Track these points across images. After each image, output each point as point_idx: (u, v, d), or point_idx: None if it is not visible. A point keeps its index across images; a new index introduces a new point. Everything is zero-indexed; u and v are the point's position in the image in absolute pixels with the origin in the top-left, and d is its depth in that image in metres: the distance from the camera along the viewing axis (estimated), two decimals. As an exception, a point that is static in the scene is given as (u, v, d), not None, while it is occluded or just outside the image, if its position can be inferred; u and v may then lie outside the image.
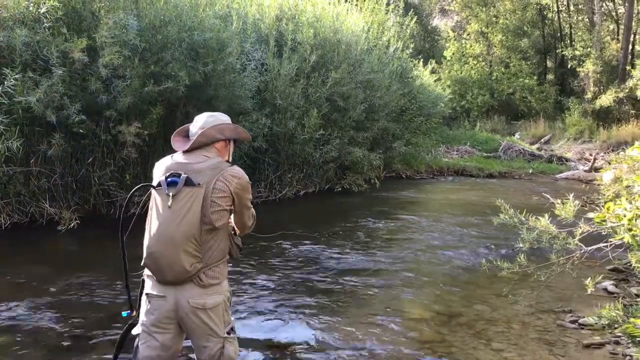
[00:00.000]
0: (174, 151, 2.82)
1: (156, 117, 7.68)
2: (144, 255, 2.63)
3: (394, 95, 12.66)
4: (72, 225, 7.08)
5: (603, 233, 3.34)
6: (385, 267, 6.39)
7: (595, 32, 26.32)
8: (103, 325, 4.34)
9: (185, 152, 2.74)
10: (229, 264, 2.96)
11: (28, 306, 4.65)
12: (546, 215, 3.65)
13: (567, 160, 18.87)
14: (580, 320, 4.74)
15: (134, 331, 2.75)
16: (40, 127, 7.07)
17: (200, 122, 2.80)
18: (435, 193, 12.70)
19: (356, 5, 13.07)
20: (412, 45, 15.08)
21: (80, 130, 7.12)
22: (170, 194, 2.57)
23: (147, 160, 8.30)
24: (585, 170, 16.26)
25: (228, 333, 2.76)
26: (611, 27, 28.53)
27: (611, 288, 5.63)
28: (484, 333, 4.54)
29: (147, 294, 2.69)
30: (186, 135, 2.86)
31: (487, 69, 29.43)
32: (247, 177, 2.79)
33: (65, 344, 4.02)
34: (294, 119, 9.87)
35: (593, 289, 4.14)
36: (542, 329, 4.66)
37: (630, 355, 4.03)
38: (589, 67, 25.27)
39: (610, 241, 3.39)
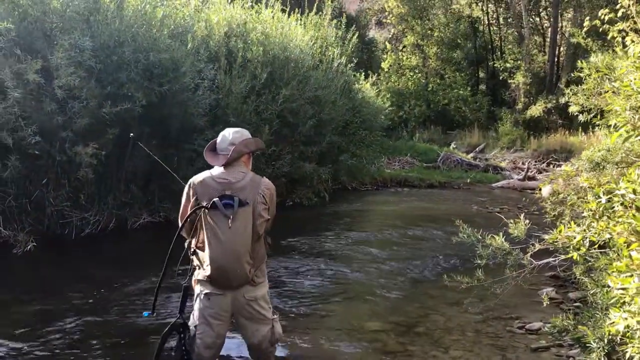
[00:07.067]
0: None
1: (111, 137, 7.73)
2: (210, 268, 3.09)
3: (340, 110, 13.04)
4: (28, 247, 7.02)
5: (550, 249, 3.76)
6: (342, 281, 6.67)
7: (525, 46, 27.71)
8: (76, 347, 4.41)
9: (222, 166, 3.16)
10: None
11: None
12: (500, 234, 4.04)
13: (502, 169, 19.76)
14: (527, 326, 5.19)
15: (191, 323, 3.26)
16: (-6, 150, 7.01)
17: (230, 138, 3.22)
18: (382, 204, 13.14)
19: (300, 20, 13.35)
20: (355, 60, 15.52)
21: (36, 152, 7.09)
22: (230, 216, 3.00)
23: (102, 180, 8.31)
24: (519, 180, 17.12)
25: (274, 314, 3.36)
26: (538, 40, 30.08)
27: (552, 295, 6.15)
28: (441, 341, 4.88)
29: (206, 294, 3.18)
30: (213, 149, 3.27)
31: (423, 81, 30.40)
32: (273, 186, 3.32)
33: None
34: (245, 136, 10.02)
35: (548, 301, 4.58)
36: (494, 335, 5.06)
37: (573, 357, 4.48)
38: (519, 79, 26.61)
39: (557, 256, 3.81)
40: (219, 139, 3.28)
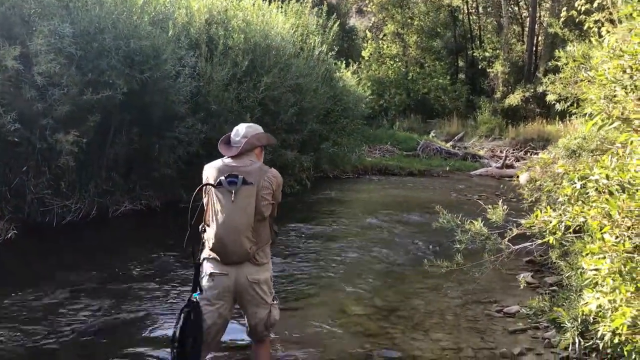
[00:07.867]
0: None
1: (92, 125, 7.69)
2: (213, 241, 3.25)
3: (321, 98, 13.08)
4: (9, 235, 6.97)
5: (527, 234, 3.87)
6: (323, 267, 6.75)
7: (503, 35, 27.98)
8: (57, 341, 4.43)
9: (233, 157, 3.35)
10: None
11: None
12: (479, 219, 4.15)
13: (480, 157, 19.98)
14: (505, 310, 5.33)
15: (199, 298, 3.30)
16: (-28, 137, 6.94)
17: (243, 132, 3.44)
18: (363, 192, 13.25)
19: (281, 7, 13.32)
20: (336, 49, 15.54)
21: (15, 139, 7.03)
22: (233, 190, 3.17)
23: (83, 167, 8.27)
24: (497, 167, 17.36)
25: (273, 300, 3.47)
26: (517, 29, 30.34)
27: (529, 279, 6.30)
28: (421, 325, 4.99)
29: (210, 274, 3.32)
30: (228, 142, 3.48)
31: (404, 69, 30.55)
32: (281, 177, 3.50)
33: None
34: (227, 124, 10.04)
35: (525, 285, 4.71)
36: (473, 319, 5.18)
37: (549, 338, 4.62)
38: (498, 68, 26.86)
39: (534, 240, 3.93)
40: (232, 133, 3.48)
